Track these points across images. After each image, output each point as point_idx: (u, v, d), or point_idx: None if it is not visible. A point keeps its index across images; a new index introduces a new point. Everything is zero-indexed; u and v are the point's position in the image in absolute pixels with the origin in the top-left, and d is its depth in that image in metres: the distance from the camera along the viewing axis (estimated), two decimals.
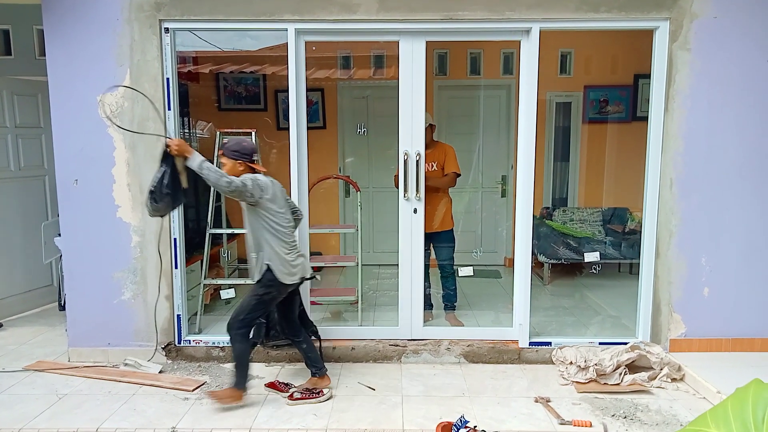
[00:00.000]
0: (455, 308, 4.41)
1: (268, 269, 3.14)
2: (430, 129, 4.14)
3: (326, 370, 3.42)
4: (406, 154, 3.85)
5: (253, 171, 3.19)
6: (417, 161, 3.84)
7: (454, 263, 4.36)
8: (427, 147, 4.15)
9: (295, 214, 3.43)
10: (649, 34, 3.72)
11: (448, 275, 4.34)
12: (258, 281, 3.20)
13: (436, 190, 4.16)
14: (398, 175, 3.95)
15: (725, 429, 1.15)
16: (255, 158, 3.26)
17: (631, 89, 5.97)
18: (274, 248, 3.14)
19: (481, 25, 3.68)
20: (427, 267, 4.39)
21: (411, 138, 3.86)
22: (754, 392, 1.12)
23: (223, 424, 3.02)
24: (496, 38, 3.80)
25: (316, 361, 3.40)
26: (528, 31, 3.69)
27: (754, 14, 3.57)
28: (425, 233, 4.23)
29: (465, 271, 4.34)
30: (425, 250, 4.32)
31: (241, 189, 3.02)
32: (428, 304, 4.44)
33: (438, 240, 4.27)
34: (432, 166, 4.18)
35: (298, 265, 3.24)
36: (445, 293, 4.39)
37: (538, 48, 3.68)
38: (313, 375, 3.39)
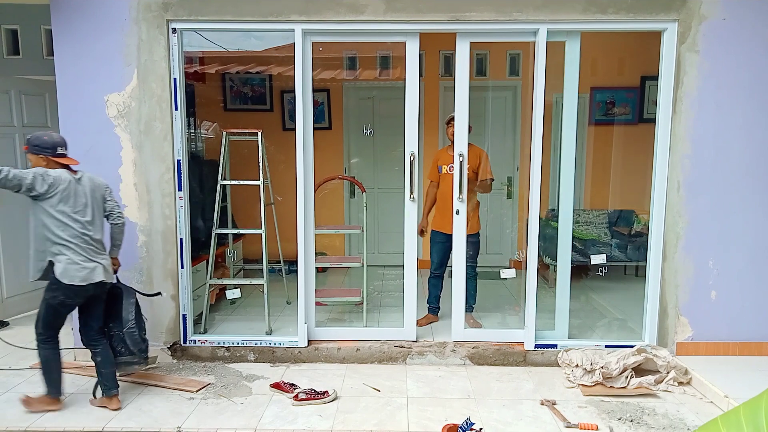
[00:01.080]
0: (473, 309, 4.40)
1: (50, 267, 3.02)
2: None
3: (116, 391, 3.19)
4: (412, 155, 3.84)
5: (62, 166, 3.05)
6: (461, 162, 3.84)
7: (477, 265, 4.36)
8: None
9: (110, 218, 3.25)
10: (656, 35, 3.70)
11: (470, 277, 4.33)
12: (47, 284, 3.08)
13: (470, 192, 4.13)
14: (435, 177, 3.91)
15: None
16: (60, 151, 3.08)
17: (638, 91, 5.94)
18: (57, 246, 3.00)
19: (489, 26, 3.67)
20: (444, 269, 4.39)
21: (457, 139, 3.88)
22: (767, 400, 1.11)
23: (228, 425, 3.02)
24: (507, 39, 3.78)
25: (108, 379, 3.19)
26: (536, 32, 3.68)
27: (763, 16, 3.55)
28: (450, 234, 4.23)
29: (507, 273, 4.32)
30: (446, 251, 4.33)
31: (7, 178, 2.89)
32: (437, 307, 4.43)
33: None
34: None
35: (86, 269, 3.03)
36: (465, 294, 4.38)
37: (545, 49, 3.67)
38: (103, 394, 3.21)
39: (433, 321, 4.39)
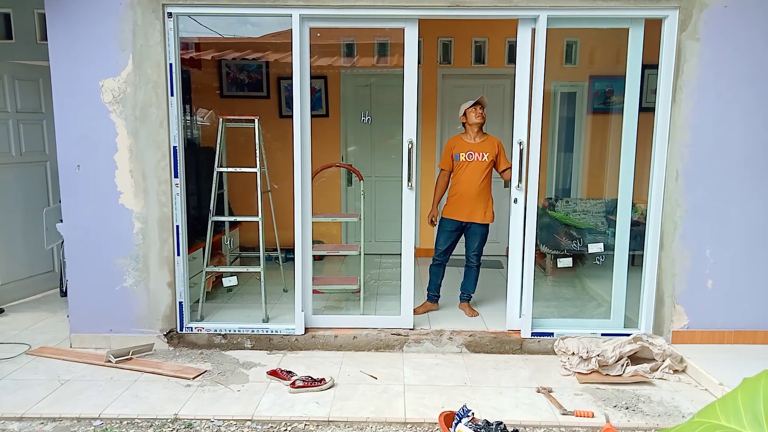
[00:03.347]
0: (471, 299, 4.40)
1: None
2: (482, 115, 4.13)
3: None
4: (410, 142, 3.82)
5: None
6: (521, 150, 3.79)
7: (482, 255, 4.37)
8: (479, 129, 4.17)
9: None
10: (657, 23, 3.68)
11: (473, 266, 4.33)
12: None
13: (485, 182, 4.15)
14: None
15: (735, 420, 1.14)
16: None
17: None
18: None
19: (489, 13, 3.64)
20: (447, 258, 4.38)
21: (517, 126, 3.80)
22: (765, 384, 1.11)
23: (226, 412, 3.02)
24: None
25: None
26: (536, 19, 3.65)
27: (764, 4, 3.53)
28: (461, 223, 4.24)
29: (565, 262, 4.32)
30: (454, 240, 4.33)
31: None
32: (436, 295, 4.43)
33: (474, 231, 4.25)
34: (482, 156, 4.14)
35: None
36: (465, 282, 4.39)
37: (545, 37, 3.64)
38: None
39: (432, 309, 4.39)
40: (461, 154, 4.18)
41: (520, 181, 3.84)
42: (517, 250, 3.94)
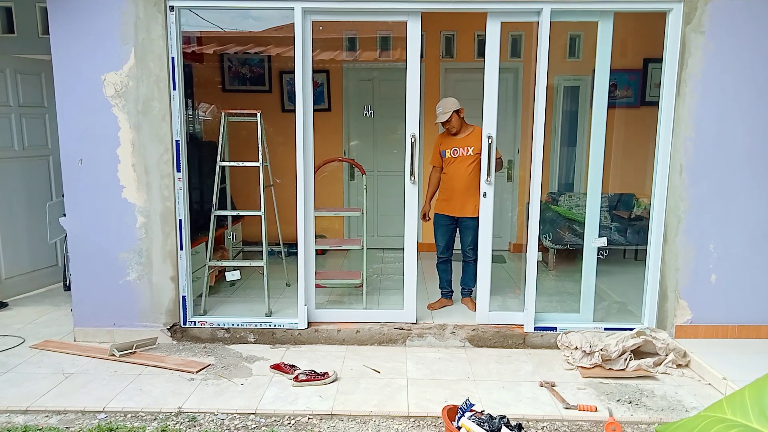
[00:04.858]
0: (472, 293, 4.41)
1: None
2: (457, 114, 4.12)
3: None
4: (413, 136, 3.81)
5: None
6: (489, 144, 3.79)
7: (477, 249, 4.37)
8: (458, 132, 4.15)
9: None
10: (661, 16, 3.65)
11: (470, 260, 4.33)
12: None
13: (473, 175, 4.13)
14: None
15: (741, 414, 1.14)
16: None
17: (641, 74, 5.89)
18: None
19: (492, 6, 3.62)
20: (451, 253, 4.39)
21: (486, 120, 3.82)
22: None
23: (229, 405, 3.03)
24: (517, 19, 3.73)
25: None
26: (539, 12, 3.63)
27: None
28: (454, 217, 4.25)
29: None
30: (451, 234, 4.34)
31: None
32: (450, 290, 4.44)
33: (466, 225, 4.25)
34: (467, 150, 4.14)
35: None
36: (464, 277, 4.39)
37: (549, 30, 3.62)
38: None
39: (447, 304, 4.39)
40: (447, 150, 4.20)
41: (489, 174, 3.83)
42: (487, 245, 3.94)
